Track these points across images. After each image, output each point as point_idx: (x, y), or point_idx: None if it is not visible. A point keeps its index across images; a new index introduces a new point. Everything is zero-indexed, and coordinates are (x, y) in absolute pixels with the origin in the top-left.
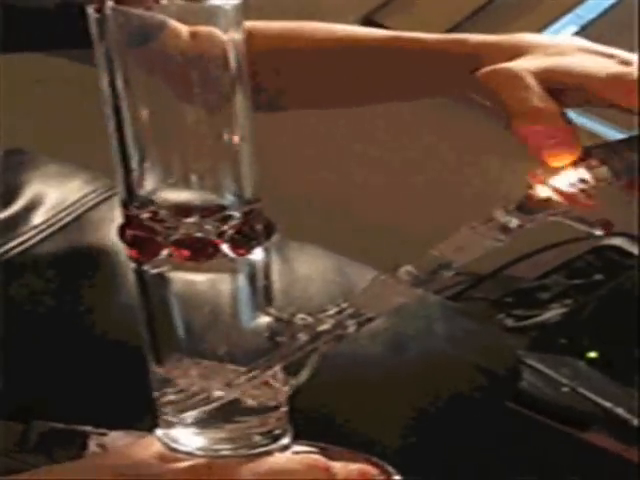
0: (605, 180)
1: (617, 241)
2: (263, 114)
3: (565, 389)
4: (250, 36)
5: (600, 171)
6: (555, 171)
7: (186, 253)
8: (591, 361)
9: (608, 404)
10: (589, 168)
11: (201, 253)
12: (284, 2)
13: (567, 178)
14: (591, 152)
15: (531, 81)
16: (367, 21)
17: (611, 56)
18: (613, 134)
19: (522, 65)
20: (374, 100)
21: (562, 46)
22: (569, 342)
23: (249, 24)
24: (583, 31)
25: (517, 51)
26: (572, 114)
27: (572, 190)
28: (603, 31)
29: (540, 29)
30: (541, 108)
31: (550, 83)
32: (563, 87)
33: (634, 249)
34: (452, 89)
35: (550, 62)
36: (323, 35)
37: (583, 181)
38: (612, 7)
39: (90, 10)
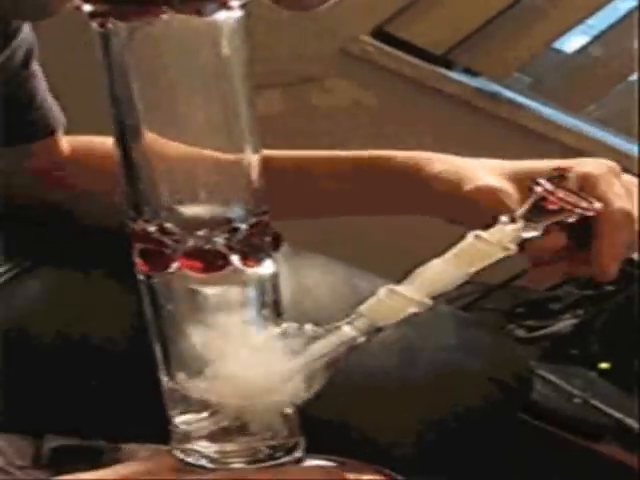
0: None
1: None
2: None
3: (577, 400)
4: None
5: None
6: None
7: (197, 265)
8: (602, 372)
9: (619, 415)
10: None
11: (211, 265)
12: (298, 13)
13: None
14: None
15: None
16: (379, 31)
17: None
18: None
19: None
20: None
21: None
22: (580, 353)
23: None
24: (595, 41)
25: None
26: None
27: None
28: (614, 42)
29: (552, 39)
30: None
31: None
32: None
33: None
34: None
35: None
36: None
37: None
38: (623, 18)
39: (94, 24)
